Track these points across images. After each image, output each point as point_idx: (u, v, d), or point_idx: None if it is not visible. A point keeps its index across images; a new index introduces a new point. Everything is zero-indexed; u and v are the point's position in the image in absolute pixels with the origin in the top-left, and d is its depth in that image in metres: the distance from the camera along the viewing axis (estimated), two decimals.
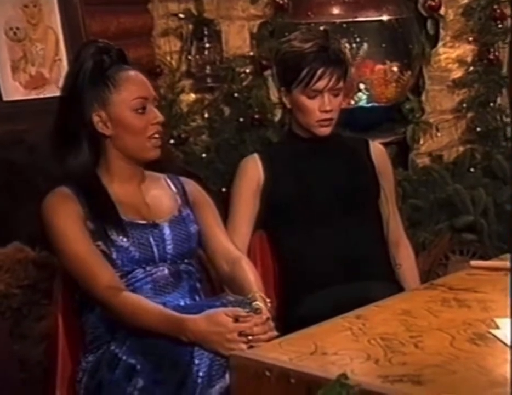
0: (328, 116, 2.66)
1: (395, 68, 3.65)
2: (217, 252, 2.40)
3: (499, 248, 3.26)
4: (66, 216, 2.24)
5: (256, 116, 3.62)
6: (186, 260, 2.34)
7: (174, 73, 3.72)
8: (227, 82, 3.67)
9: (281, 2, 3.63)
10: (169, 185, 2.44)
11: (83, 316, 2.28)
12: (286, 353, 1.83)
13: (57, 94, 3.02)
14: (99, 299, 2.18)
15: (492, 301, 2.08)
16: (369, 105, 3.66)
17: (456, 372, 1.70)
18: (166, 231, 2.32)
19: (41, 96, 3.19)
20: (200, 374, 2.00)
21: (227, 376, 1.97)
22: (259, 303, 2.10)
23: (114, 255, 2.22)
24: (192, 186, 2.48)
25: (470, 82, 3.68)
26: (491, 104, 3.67)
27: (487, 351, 1.81)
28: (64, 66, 3.22)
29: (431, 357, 1.77)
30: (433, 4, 3.64)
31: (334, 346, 1.86)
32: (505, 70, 3.64)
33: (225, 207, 2.67)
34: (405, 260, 2.83)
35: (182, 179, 2.49)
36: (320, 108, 2.65)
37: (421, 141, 3.70)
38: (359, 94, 3.64)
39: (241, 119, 3.64)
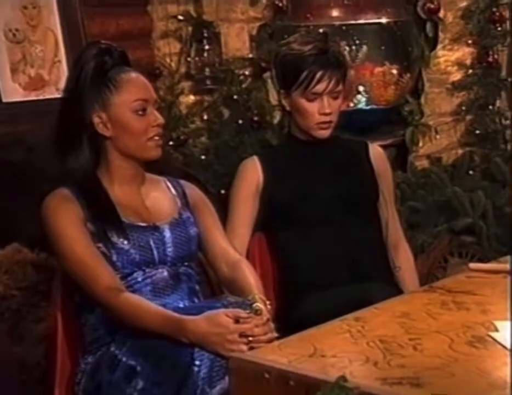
0: (327, 118, 2.67)
1: (394, 71, 3.65)
2: (217, 254, 2.40)
3: (498, 250, 3.26)
4: (66, 218, 2.24)
5: (256, 118, 3.62)
6: (185, 263, 2.34)
7: (173, 75, 3.72)
8: (226, 84, 3.67)
9: (280, 4, 3.63)
10: (169, 188, 2.44)
11: (82, 318, 2.28)
12: (285, 355, 1.83)
13: (57, 95, 3.04)
14: (99, 300, 2.19)
15: (491, 304, 2.08)
16: (368, 107, 3.66)
17: (455, 374, 1.70)
18: (167, 233, 2.32)
19: (41, 97, 3.20)
20: (201, 375, 2.00)
21: (227, 377, 1.97)
22: (259, 304, 2.11)
23: (114, 257, 2.23)
24: (192, 189, 2.48)
25: (469, 85, 3.68)
26: (491, 107, 3.67)
27: (486, 354, 1.81)
28: (64, 67, 3.23)
29: (430, 359, 1.77)
30: (432, 6, 3.64)
31: (333, 348, 1.86)
32: (504, 73, 3.64)
33: (224, 209, 2.67)
34: (404, 263, 2.83)
35: (182, 182, 2.49)
36: (320, 111, 2.65)
37: (420, 144, 3.70)
38: (359, 96, 3.64)
39: (240, 122, 3.64)
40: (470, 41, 3.69)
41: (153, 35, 3.76)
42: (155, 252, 2.28)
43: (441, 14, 3.67)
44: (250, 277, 2.29)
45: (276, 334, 2.06)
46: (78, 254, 2.21)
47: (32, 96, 3.19)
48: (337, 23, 3.59)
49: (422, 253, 3.42)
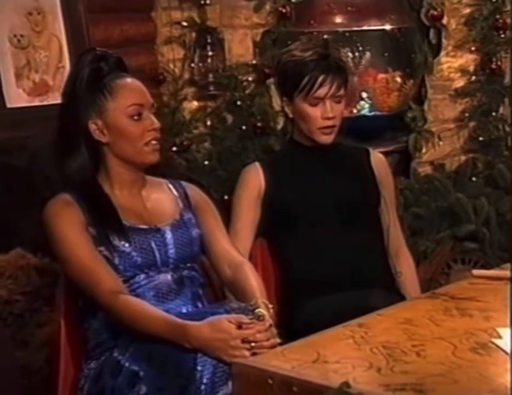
0: (330, 123, 2.67)
1: (398, 77, 3.66)
2: (219, 256, 2.40)
3: (501, 257, 3.26)
4: (68, 223, 2.24)
5: (259, 124, 3.63)
6: (188, 264, 2.34)
7: (177, 81, 3.73)
8: (229, 90, 3.68)
9: (284, 11, 3.64)
10: (170, 190, 2.44)
11: (85, 323, 2.28)
12: (288, 361, 1.83)
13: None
14: (102, 304, 2.19)
15: (494, 310, 2.08)
16: (372, 113, 3.66)
17: (458, 381, 1.70)
18: (168, 235, 2.32)
19: (45, 103, 3.21)
20: (204, 381, 2.00)
21: (230, 382, 1.97)
22: (261, 310, 2.10)
23: (116, 261, 2.23)
24: (194, 190, 2.48)
25: (472, 91, 3.68)
26: (494, 113, 3.67)
27: (489, 361, 1.81)
28: (68, 73, 3.23)
29: (433, 366, 1.77)
30: (435, 13, 3.64)
31: (336, 354, 1.86)
32: (507, 80, 3.64)
33: (227, 214, 2.67)
34: (406, 270, 2.82)
35: (184, 183, 2.49)
36: (323, 115, 2.66)
37: (423, 150, 3.70)
38: (362, 102, 3.65)
39: (243, 127, 3.65)
40: (473, 48, 3.68)
41: (157, 41, 3.77)
42: (157, 254, 2.28)
43: (444, 21, 3.67)
44: (252, 279, 2.29)
45: (278, 340, 2.06)
46: (80, 258, 2.21)
47: (36, 102, 3.20)
48: (340, 29, 3.60)
49: (425, 260, 3.42)
